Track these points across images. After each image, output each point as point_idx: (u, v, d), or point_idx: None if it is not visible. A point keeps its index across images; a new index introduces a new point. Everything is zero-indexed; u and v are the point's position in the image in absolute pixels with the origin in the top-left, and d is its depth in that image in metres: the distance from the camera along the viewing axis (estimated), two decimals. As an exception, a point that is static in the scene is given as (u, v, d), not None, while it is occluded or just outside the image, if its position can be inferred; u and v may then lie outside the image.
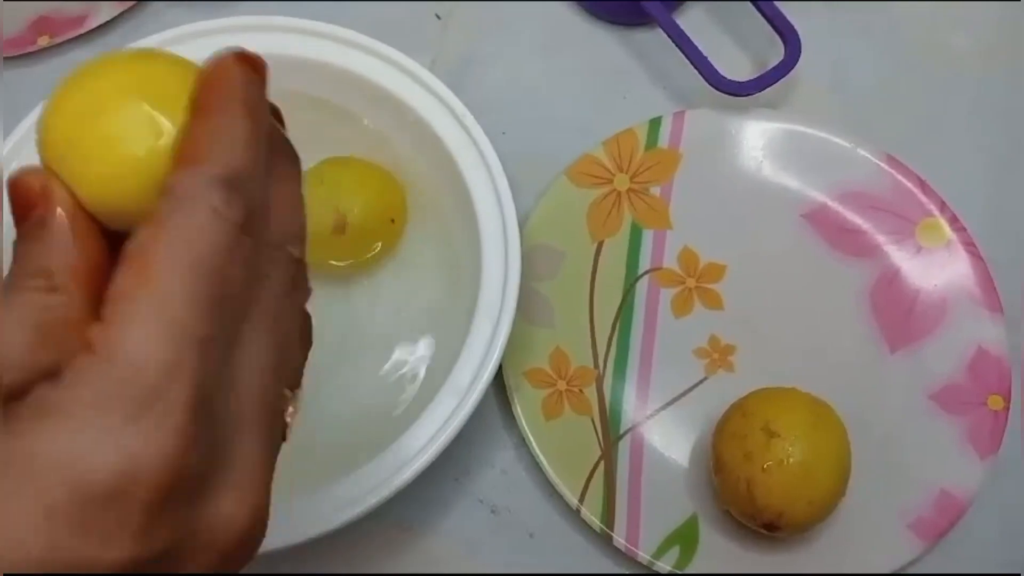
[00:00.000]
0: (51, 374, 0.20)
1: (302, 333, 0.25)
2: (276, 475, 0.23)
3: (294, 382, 0.25)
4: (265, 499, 0.23)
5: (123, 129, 0.22)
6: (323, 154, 0.48)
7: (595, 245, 0.50)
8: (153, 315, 0.20)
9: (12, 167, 0.43)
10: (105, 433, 0.19)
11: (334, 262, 0.47)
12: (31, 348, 0.21)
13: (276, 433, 0.23)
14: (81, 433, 0.19)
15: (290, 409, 0.24)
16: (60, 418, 0.19)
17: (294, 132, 0.26)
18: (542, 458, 0.45)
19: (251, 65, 0.23)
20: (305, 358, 0.26)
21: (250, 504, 0.22)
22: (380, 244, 0.48)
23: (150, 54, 0.24)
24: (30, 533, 0.18)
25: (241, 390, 0.22)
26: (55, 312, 0.21)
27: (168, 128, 0.22)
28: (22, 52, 0.54)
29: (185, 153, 0.22)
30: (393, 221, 0.47)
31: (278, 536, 0.38)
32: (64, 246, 0.22)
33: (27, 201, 0.22)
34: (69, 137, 0.22)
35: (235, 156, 0.22)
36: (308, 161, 0.48)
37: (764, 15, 0.52)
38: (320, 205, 0.46)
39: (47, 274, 0.21)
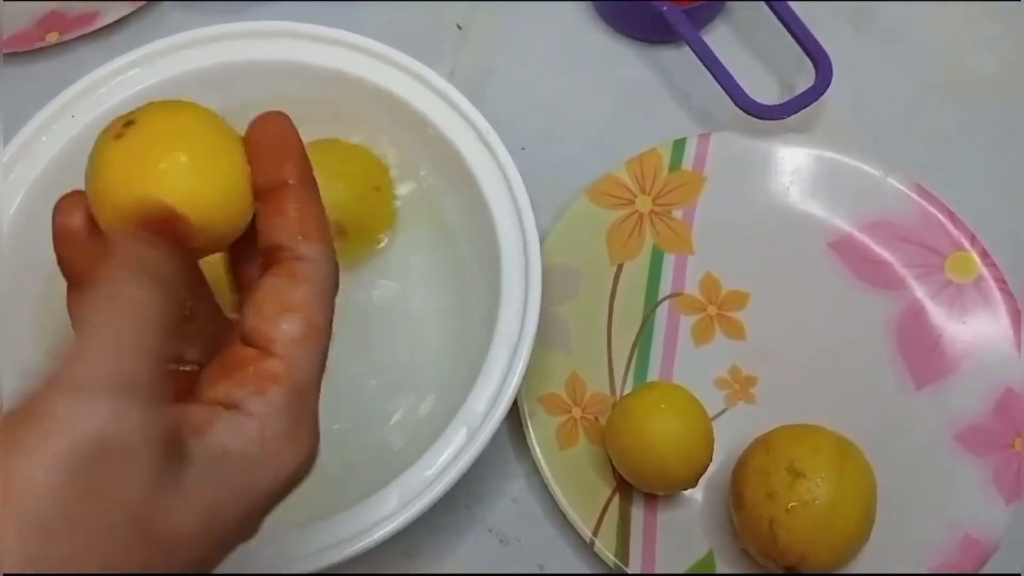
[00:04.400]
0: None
1: None
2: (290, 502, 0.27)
3: None
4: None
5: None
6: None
7: (615, 268, 0.48)
8: (316, 355, 0.26)
9: (20, 164, 0.42)
10: (287, 434, 0.25)
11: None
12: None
13: None
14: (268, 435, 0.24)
15: None
16: (244, 419, 0.24)
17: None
18: (555, 488, 0.44)
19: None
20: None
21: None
22: (380, 231, 0.46)
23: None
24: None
25: None
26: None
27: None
28: (30, 48, 0.53)
29: (278, 207, 0.27)
30: (379, 189, 0.46)
31: (288, 566, 0.36)
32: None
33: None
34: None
35: (321, 209, 0.28)
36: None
37: (795, 37, 0.51)
38: None
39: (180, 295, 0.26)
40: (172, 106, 0.27)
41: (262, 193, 0.27)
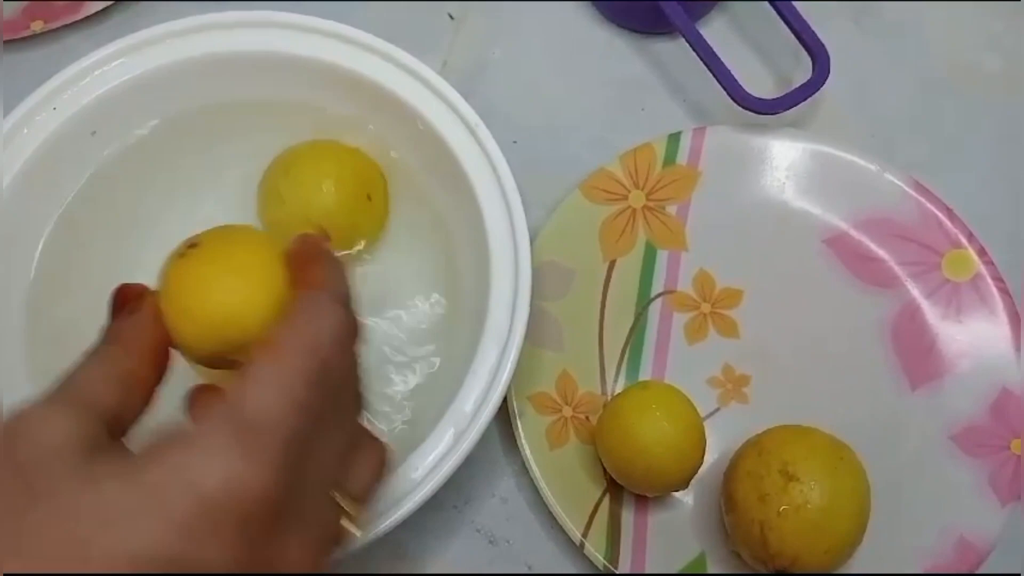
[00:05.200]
0: (123, 420, 0.27)
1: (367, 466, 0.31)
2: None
3: (353, 493, 0.30)
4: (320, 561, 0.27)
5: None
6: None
7: (607, 264, 0.48)
8: (275, 381, 0.25)
9: (7, 153, 0.41)
10: (221, 454, 0.24)
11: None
12: (116, 395, 0.27)
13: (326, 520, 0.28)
14: (203, 454, 0.24)
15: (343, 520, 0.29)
16: (187, 443, 0.24)
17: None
18: (545, 489, 0.43)
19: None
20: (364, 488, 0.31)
21: (311, 555, 0.26)
22: (362, 236, 0.45)
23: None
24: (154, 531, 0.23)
25: (319, 460, 0.27)
26: (131, 372, 0.28)
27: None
28: (15, 37, 0.52)
29: (307, 281, 0.30)
30: (370, 198, 0.45)
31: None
32: (145, 328, 0.30)
33: (126, 299, 0.31)
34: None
35: (345, 286, 0.30)
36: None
37: (793, 30, 0.50)
38: (290, 202, 0.44)
39: (128, 344, 0.29)
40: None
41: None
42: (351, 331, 0.29)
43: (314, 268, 0.30)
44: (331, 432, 0.28)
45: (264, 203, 0.45)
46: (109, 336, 0.30)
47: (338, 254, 0.44)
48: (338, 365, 0.27)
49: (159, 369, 0.30)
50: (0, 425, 0.25)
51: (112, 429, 0.27)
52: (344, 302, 0.29)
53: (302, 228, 0.43)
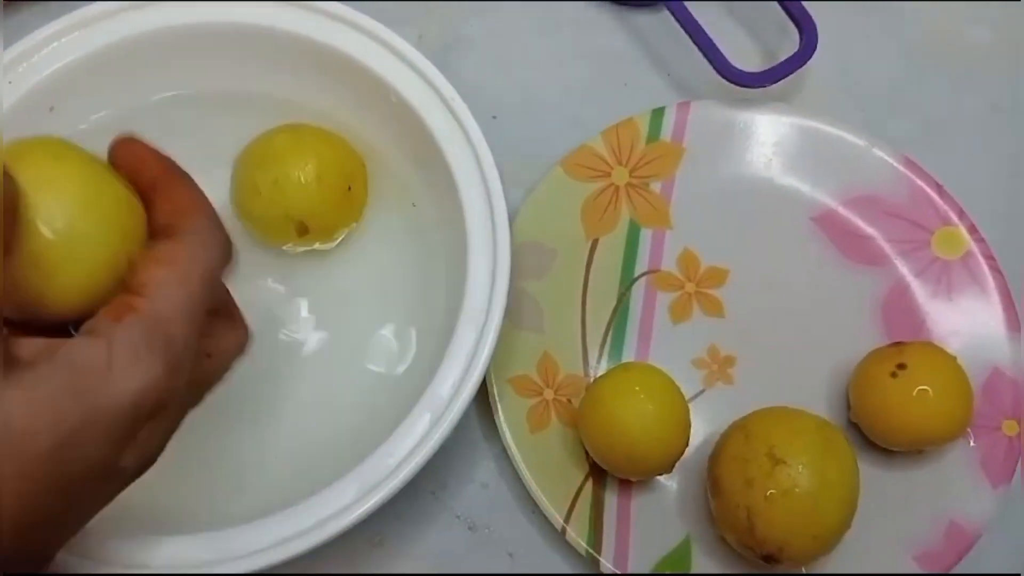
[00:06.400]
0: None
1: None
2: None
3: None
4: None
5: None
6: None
7: (589, 243, 0.46)
8: (180, 295, 0.28)
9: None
10: (136, 354, 0.26)
11: (288, 248, 0.43)
12: None
13: None
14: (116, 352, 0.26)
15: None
16: (94, 340, 0.26)
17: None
18: (526, 473, 0.42)
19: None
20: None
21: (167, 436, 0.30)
22: (341, 228, 0.44)
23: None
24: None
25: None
26: None
27: None
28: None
29: (176, 204, 0.30)
30: (351, 189, 0.43)
31: (246, 560, 0.35)
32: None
33: None
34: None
35: (208, 202, 0.31)
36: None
37: (779, 1, 0.48)
38: (268, 198, 0.42)
39: None
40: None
41: (142, 195, 0.31)
42: (230, 251, 0.31)
43: (179, 190, 0.31)
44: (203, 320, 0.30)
45: (239, 192, 0.43)
46: None
47: (322, 246, 0.43)
48: (219, 281, 0.31)
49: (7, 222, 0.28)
50: None
51: None
52: (219, 222, 0.31)
53: (280, 223, 0.42)
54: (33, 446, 0.24)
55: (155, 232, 0.30)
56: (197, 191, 0.31)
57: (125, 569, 0.34)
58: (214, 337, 0.31)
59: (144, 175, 0.30)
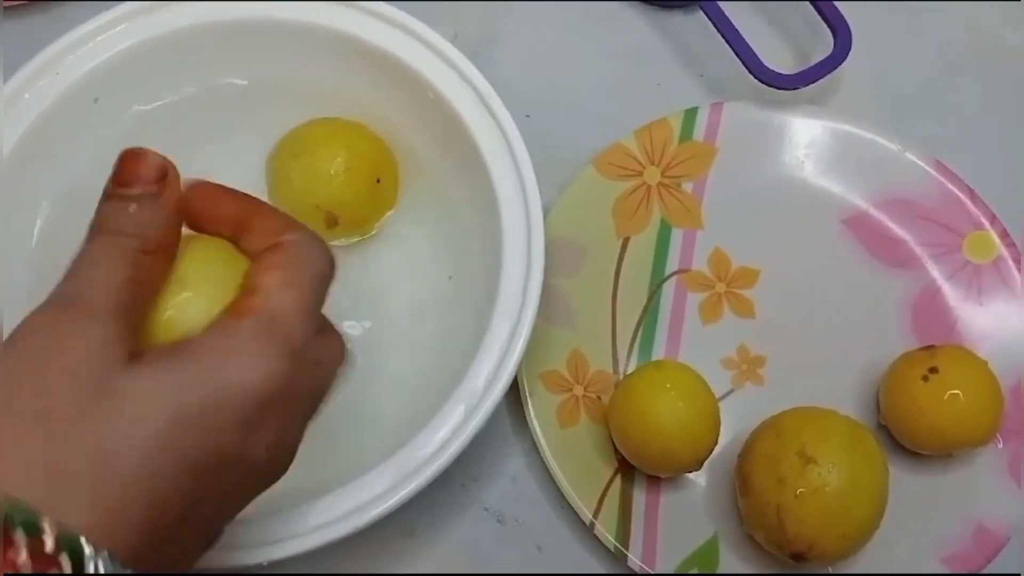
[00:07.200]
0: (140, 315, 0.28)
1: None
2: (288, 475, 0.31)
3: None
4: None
5: None
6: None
7: (620, 241, 0.47)
8: (294, 295, 0.28)
9: (8, 119, 0.40)
10: (258, 346, 0.27)
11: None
12: (119, 294, 0.27)
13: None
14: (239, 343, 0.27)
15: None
16: (213, 333, 0.27)
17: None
18: (555, 468, 0.42)
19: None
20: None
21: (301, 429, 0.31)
22: (372, 220, 0.44)
23: None
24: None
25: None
26: (142, 272, 0.28)
27: None
28: (16, 3, 0.50)
29: (267, 228, 0.30)
30: (379, 181, 0.44)
31: (281, 546, 0.35)
32: (167, 225, 0.29)
33: (144, 172, 0.28)
34: None
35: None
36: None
37: (813, 3, 0.49)
38: (299, 188, 0.43)
39: (145, 239, 0.28)
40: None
41: (234, 229, 0.31)
42: (333, 261, 0.31)
43: (269, 212, 0.31)
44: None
45: (273, 182, 0.44)
46: (122, 223, 0.28)
47: (349, 241, 0.44)
48: (327, 288, 0.31)
49: (170, 262, 0.29)
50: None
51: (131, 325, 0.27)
52: (317, 235, 0.31)
53: (310, 213, 0.42)
54: (151, 412, 0.25)
55: (260, 256, 0.30)
56: (284, 213, 0.31)
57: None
58: (320, 346, 0.31)
59: (228, 210, 0.31)
